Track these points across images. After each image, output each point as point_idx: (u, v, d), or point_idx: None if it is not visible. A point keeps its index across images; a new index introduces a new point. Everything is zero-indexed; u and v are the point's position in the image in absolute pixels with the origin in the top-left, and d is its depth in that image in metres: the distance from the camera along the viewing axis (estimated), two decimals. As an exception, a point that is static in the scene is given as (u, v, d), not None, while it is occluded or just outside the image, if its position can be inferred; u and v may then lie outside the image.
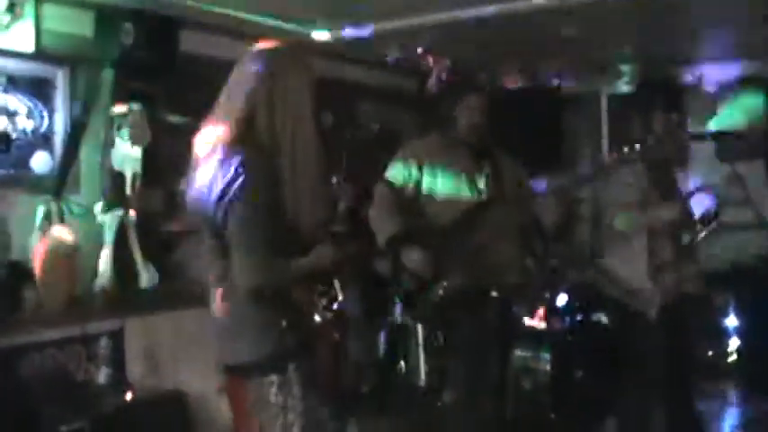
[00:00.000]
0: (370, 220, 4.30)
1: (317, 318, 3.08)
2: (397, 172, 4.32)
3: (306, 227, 2.81)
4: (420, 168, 4.26)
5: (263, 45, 2.94)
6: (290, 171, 2.75)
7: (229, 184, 2.69)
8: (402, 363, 6.16)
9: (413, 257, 4.10)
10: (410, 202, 4.27)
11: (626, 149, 4.18)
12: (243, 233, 2.70)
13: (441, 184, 4.24)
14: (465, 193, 4.23)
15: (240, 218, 2.68)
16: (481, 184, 4.26)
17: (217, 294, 2.92)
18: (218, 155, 2.75)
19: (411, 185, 4.27)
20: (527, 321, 6.04)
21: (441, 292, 4.07)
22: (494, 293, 4.12)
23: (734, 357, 6.95)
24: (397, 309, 5.90)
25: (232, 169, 2.69)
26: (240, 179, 2.67)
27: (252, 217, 2.68)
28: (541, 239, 5.98)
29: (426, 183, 4.26)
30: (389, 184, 4.28)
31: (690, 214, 4.37)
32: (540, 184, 5.94)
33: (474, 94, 4.31)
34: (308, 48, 5.49)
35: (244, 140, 2.75)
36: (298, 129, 2.80)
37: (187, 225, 3.16)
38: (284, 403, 2.87)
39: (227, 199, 2.69)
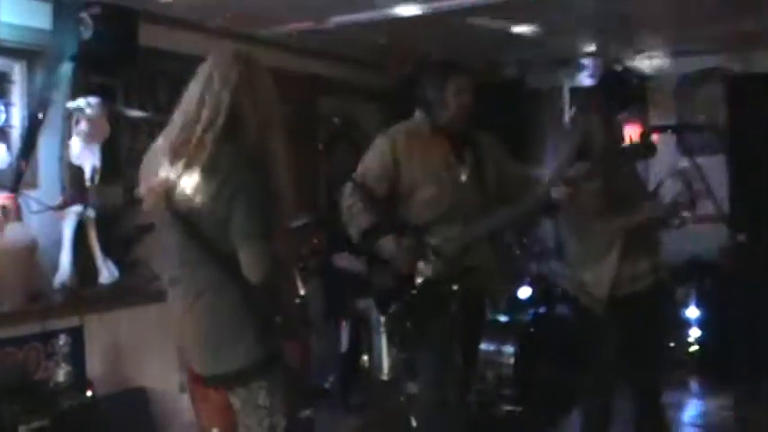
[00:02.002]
0: (342, 214, 4.11)
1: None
2: (370, 167, 4.11)
3: (287, 215, 3.00)
4: (396, 164, 4.06)
5: (232, 48, 3.03)
6: (280, 164, 2.87)
7: (227, 179, 2.75)
8: (365, 357, 6.16)
9: (390, 247, 3.94)
10: (385, 200, 4.09)
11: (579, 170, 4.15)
12: (248, 225, 2.76)
13: (420, 180, 4.05)
14: (447, 189, 4.05)
15: (243, 211, 2.74)
16: (463, 178, 4.10)
17: (192, 304, 2.90)
18: (206, 152, 2.78)
19: (385, 182, 4.07)
20: (490, 314, 6.06)
21: (417, 284, 3.99)
22: (455, 287, 4.02)
23: (695, 348, 7.02)
24: (361, 303, 5.90)
25: (229, 165, 2.76)
26: (240, 173, 2.76)
27: (255, 208, 2.76)
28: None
29: (403, 180, 4.07)
30: (363, 177, 4.08)
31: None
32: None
33: (463, 75, 4.12)
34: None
35: (231, 137, 2.82)
36: (277, 125, 2.92)
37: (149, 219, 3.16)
38: (271, 406, 2.89)
39: (226, 193, 2.74)
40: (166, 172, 2.85)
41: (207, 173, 2.77)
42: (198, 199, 2.78)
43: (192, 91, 2.91)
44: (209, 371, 2.94)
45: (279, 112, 2.96)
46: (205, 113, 2.84)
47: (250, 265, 2.76)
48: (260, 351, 2.84)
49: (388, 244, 3.95)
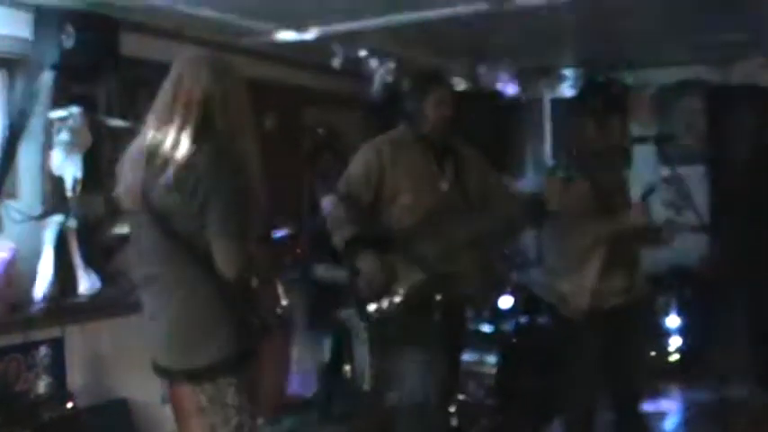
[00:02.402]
0: (327, 222, 4.16)
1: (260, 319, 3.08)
2: (355, 175, 4.15)
3: (260, 213, 3.03)
4: (380, 172, 4.11)
5: (202, 52, 3.14)
6: (251, 164, 2.94)
7: (201, 179, 2.80)
8: (347, 367, 6.14)
9: (368, 264, 3.98)
10: (369, 205, 4.13)
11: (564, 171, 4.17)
12: (225, 223, 2.81)
13: (402, 188, 4.10)
14: (428, 198, 4.10)
15: (219, 210, 2.80)
16: (444, 186, 4.16)
17: (163, 300, 2.94)
18: (181, 153, 2.84)
19: (370, 190, 4.12)
20: (473, 324, 6.06)
21: (396, 299, 4.00)
22: (444, 297, 4.04)
23: (676, 357, 7.05)
24: (343, 313, 5.88)
25: (204, 164, 2.82)
26: (216, 172, 2.82)
27: (230, 207, 2.81)
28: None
29: (387, 187, 4.11)
30: (347, 188, 4.13)
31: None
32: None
33: (442, 87, 4.18)
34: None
35: (205, 136, 2.88)
36: (248, 128, 3.00)
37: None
38: (240, 405, 2.92)
39: (201, 193, 2.79)
40: (143, 172, 2.91)
41: (182, 172, 2.82)
42: (174, 198, 2.83)
43: (165, 92, 2.98)
44: (178, 365, 2.98)
45: (250, 116, 3.03)
46: (178, 113, 2.90)
47: (224, 260, 2.81)
48: (231, 348, 2.88)
49: (365, 263, 3.98)
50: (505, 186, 4.61)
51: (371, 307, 4.04)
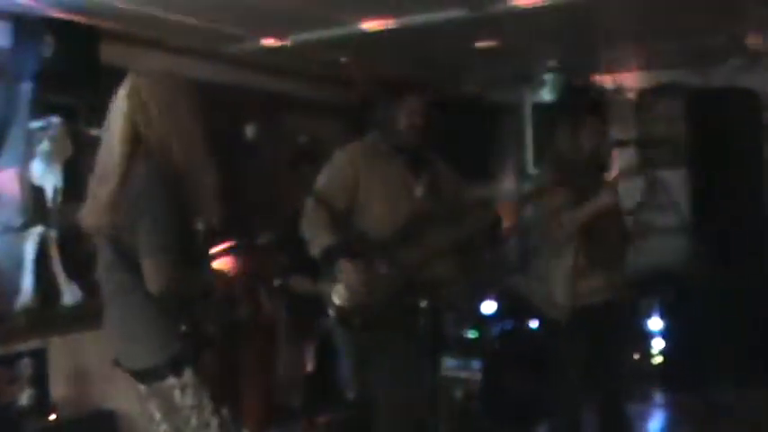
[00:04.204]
0: (302, 232, 4.12)
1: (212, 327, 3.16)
2: (329, 181, 4.12)
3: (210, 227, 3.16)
4: (355, 177, 4.07)
5: (140, 72, 3.18)
6: (185, 180, 3.01)
7: (136, 195, 2.91)
8: (331, 375, 6.12)
9: (349, 272, 3.91)
10: (344, 214, 4.08)
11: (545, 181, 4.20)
12: (151, 239, 2.89)
13: (376, 194, 4.07)
14: (402, 204, 4.08)
15: (147, 225, 2.89)
16: (419, 193, 4.14)
17: (110, 306, 3.13)
18: (120, 168, 2.96)
19: (345, 196, 4.07)
20: (456, 330, 6.06)
21: (374, 308, 3.98)
22: (423, 304, 4.04)
23: (659, 359, 7.07)
24: (326, 321, 5.86)
25: (139, 180, 2.92)
26: (148, 189, 2.91)
27: (158, 223, 2.90)
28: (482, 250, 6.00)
29: (361, 193, 4.08)
30: (321, 194, 4.08)
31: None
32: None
33: (415, 96, 4.13)
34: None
35: (137, 155, 2.98)
36: (185, 141, 3.04)
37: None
38: (192, 405, 3.03)
39: (135, 209, 2.91)
40: (95, 193, 3.04)
41: (120, 189, 2.94)
42: (113, 214, 2.95)
43: (111, 111, 3.11)
44: (125, 365, 3.11)
45: (195, 128, 3.09)
46: (116, 134, 3.02)
47: (149, 276, 2.90)
48: (164, 353, 3.00)
49: (346, 271, 3.92)
50: (471, 205, 4.62)
51: (336, 300, 4.02)
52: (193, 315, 3.06)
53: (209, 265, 3.23)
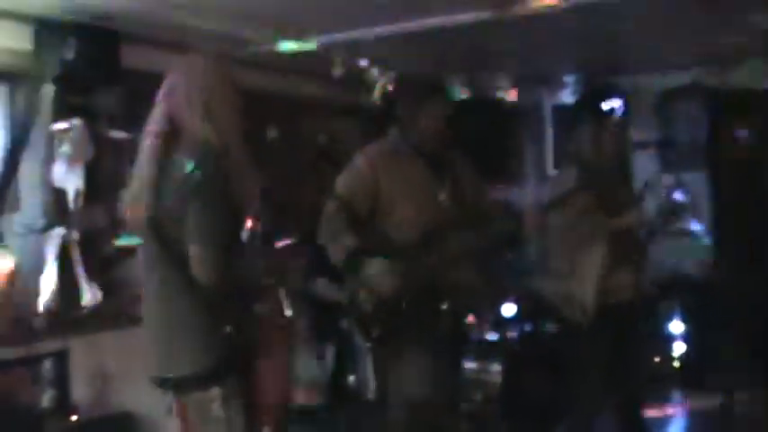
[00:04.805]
0: (322, 233, 4.07)
1: (266, 326, 3.07)
2: (350, 185, 4.08)
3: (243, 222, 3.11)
4: (375, 180, 4.03)
5: (197, 55, 3.12)
6: (240, 173, 2.90)
7: (185, 182, 2.80)
8: (351, 377, 6.13)
9: (378, 269, 3.87)
10: (365, 218, 4.04)
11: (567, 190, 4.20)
12: (202, 228, 2.79)
13: (399, 197, 4.03)
14: (426, 208, 4.04)
15: (198, 214, 2.78)
16: (442, 198, 4.10)
17: (152, 306, 2.97)
18: (167, 157, 2.87)
19: (366, 199, 4.04)
20: (477, 333, 6.05)
21: (402, 307, 3.96)
22: (444, 306, 4.02)
23: (678, 363, 7.03)
24: (347, 323, 5.87)
25: (186, 168, 2.81)
26: (196, 177, 2.79)
27: (212, 211, 2.80)
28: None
29: (383, 196, 4.04)
30: (342, 198, 4.04)
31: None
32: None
33: (439, 98, 4.13)
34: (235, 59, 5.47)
35: (192, 143, 2.88)
36: (235, 133, 2.96)
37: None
38: (227, 419, 2.88)
39: (183, 196, 2.80)
40: (139, 176, 2.94)
41: (166, 179, 2.86)
42: (159, 203, 2.86)
43: (157, 101, 3.01)
44: (161, 373, 2.97)
45: (238, 122, 3.00)
46: (156, 124, 2.94)
47: (198, 266, 2.79)
48: (210, 359, 2.86)
49: (374, 269, 3.89)
50: (495, 200, 4.60)
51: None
52: (237, 316, 2.94)
53: (255, 263, 3.16)
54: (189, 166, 2.82)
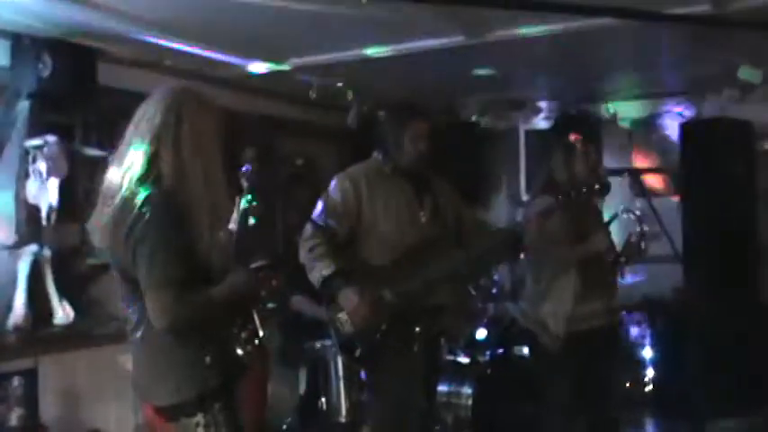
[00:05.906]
0: (302, 255, 4.05)
1: (240, 351, 3.02)
2: (330, 206, 4.06)
3: (217, 261, 2.84)
4: (357, 201, 4.04)
5: (170, 84, 2.97)
6: (200, 208, 2.77)
7: (134, 224, 2.68)
8: (323, 399, 6.11)
9: (350, 300, 3.89)
10: (346, 240, 4.05)
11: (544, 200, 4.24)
12: (150, 272, 2.68)
13: (381, 218, 4.03)
14: (408, 229, 4.05)
15: (146, 257, 2.67)
16: (423, 219, 4.11)
17: (133, 336, 2.88)
18: (123, 193, 2.75)
19: (347, 220, 4.04)
20: (448, 355, 6.05)
21: (378, 335, 3.96)
22: (418, 329, 4.03)
23: (650, 388, 7.06)
24: (319, 344, 5.86)
25: (136, 208, 2.69)
26: (144, 218, 2.67)
27: (157, 255, 2.67)
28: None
29: (365, 217, 4.04)
30: (321, 220, 4.04)
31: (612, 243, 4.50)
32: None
33: (421, 120, 4.13)
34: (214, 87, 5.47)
35: (148, 178, 2.76)
36: (206, 168, 2.82)
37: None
38: None
39: (132, 239, 2.69)
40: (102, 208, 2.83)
41: (119, 214, 2.74)
42: (116, 239, 2.74)
43: (129, 127, 2.88)
44: (151, 401, 2.93)
45: (212, 158, 2.87)
46: (128, 156, 2.81)
47: (152, 312, 2.70)
48: (190, 389, 2.81)
49: (347, 300, 3.90)
50: (481, 221, 4.63)
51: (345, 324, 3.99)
52: (219, 343, 2.88)
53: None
54: (139, 201, 2.71)
